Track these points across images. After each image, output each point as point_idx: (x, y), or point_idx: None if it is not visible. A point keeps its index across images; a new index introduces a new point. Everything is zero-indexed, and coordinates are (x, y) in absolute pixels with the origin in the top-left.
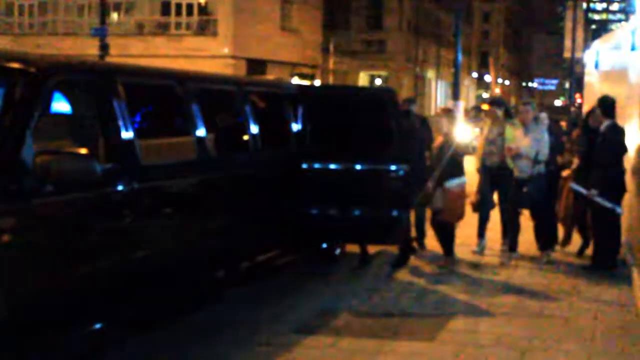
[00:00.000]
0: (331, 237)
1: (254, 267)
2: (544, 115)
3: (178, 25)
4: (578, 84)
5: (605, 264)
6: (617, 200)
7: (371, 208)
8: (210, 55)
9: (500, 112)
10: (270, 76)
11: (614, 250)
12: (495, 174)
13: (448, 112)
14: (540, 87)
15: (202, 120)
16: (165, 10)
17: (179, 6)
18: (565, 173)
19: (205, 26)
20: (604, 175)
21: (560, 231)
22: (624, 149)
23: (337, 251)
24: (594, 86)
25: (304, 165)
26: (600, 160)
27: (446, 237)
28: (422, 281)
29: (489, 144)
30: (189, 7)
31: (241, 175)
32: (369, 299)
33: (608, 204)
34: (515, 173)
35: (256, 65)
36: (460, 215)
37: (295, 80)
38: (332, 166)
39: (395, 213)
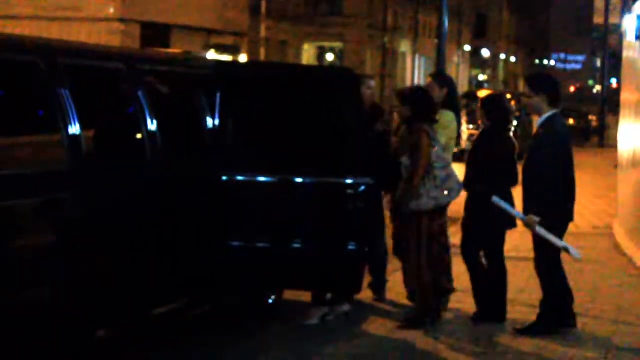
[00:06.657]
0: (261, 280)
1: (150, 323)
2: None
3: None
4: (614, 62)
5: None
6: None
7: (318, 240)
8: (88, 18)
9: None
10: (175, 49)
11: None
12: None
13: None
14: (561, 66)
15: (75, 112)
16: None
17: None
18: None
19: None
20: (543, 194)
21: None
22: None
23: (271, 299)
24: (637, 65)
25: (224, 178)
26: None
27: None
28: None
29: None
30: None
31: (130, 191)
32: None
33: (559, 243)
34: None
35: (156, 33)
36: None
37: (212, 55)
38: (264, 179)
39: (352, 247)
